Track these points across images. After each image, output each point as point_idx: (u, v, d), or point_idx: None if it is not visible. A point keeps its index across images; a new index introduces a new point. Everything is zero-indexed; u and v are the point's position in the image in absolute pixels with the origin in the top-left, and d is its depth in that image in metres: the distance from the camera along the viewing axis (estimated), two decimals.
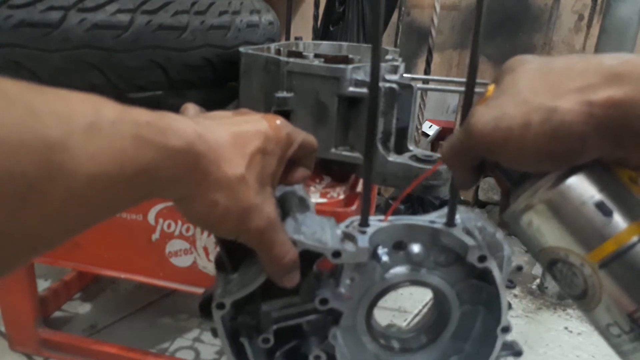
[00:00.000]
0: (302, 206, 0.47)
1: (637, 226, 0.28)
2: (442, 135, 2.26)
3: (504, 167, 0.35)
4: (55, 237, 0.27)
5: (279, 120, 0.41)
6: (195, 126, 0.34)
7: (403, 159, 0.72)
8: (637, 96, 0.28)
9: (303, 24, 1.97)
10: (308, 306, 0.46)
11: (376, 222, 0.46)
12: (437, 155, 0.77)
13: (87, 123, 0.26)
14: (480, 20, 0.42)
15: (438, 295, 0.48)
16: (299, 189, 0.48)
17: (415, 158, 0.72)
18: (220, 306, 0.42)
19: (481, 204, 2.07)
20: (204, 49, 0.82)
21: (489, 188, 2.09)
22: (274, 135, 0.40)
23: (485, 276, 0.45)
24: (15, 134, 0.23)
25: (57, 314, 1.20)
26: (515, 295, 1.43)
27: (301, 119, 0.77)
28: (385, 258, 0.46)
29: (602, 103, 0.28)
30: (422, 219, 0.46)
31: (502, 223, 0.37)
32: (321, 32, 1.73)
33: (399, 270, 0.46)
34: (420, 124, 1.87)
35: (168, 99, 0.95)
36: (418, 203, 1.65)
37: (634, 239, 0.28)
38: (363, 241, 0.43)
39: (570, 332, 1.27)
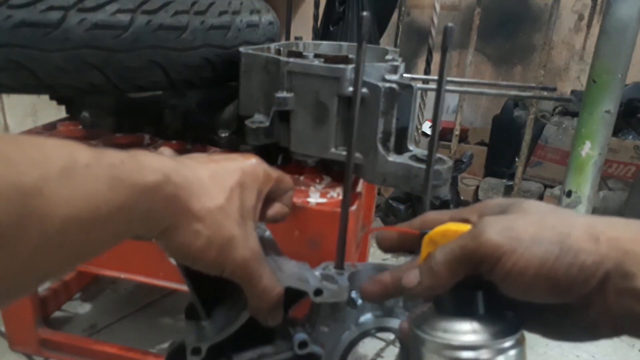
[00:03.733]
0: (277, 251, 0.47)
1: None
2: (442, 135, 2.26)
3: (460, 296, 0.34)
4: (31, 281, 0.28)
5: (255, 159, 0.42)
6: (171, 162, 0.35)
7: (403, 159, 0.72)
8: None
9: (303, 24, 1.97)
10: (282, 356, 0.45)
11: (349, 266, 0.47)
12: (437, 155, 0.77)
13: (62, 167, 0.27)
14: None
15: (405, 343, 0.48)
16: (268, 235, 0.49)
17: (415, 158, 0.72)
18: (196, 351, 0.41)
19: None
20: (204, 49, 0.82)
21: (489, 188, 2.09)
22: (251, 171, 0.40)
23: None
24: None
25: (57, 314, 1.20)
26: None
27: (301, 119, 0.77)
28: (360, 301, 0.46)
29: (607, 239, 0.29)
30: (392, 265, 0.47)
31: (403, 328, 0.37)
32: (321, 32, 1.73)
33: (372, 315, 0.47)
34: (420, 124, 1.87)
35: (168, 99, 0.95)
36: (418, 203, 1.65)
37: None
38: (343, 280, 0.44)
39: None
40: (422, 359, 0.33)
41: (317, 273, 0.45)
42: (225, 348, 0.43)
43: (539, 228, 0.30)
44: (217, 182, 0.37)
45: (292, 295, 0.42)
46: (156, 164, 0.33)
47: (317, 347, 0.45)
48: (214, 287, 0.42)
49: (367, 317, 0.46)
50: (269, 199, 0.44)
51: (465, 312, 0.33)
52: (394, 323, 0.46)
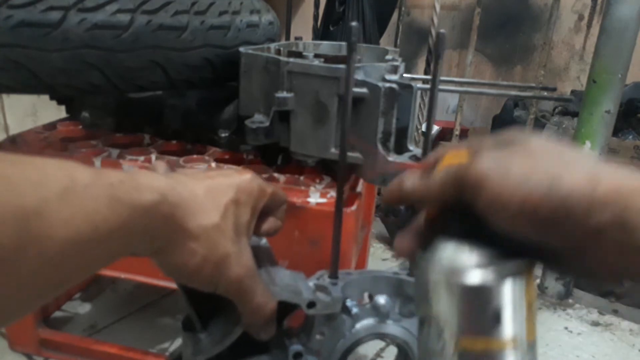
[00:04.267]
0: (272, 261, 0.47)
1: (504, 342, 0.31)
2: (442, 135, 2.26)
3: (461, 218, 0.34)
4: (30, 302, 0.28)
5: (249, 174, 0.42)
6: (168, 180, 0.35)
7: (403, 159, 0.72)
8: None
9: (303, 24, 1.97)
10: None
11: (344, 274, 0.47)
12: None
13: (62, 188, 0.27)
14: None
15: (402, 348, 0.49)
16: (264, 243, 0.49)
17: (415, 158, 0.72)
18: None
19: None
20: (204, 49, 0.82)
21: None
22: (246, 186, 0.41)
23: None
24: None
25: (57, 314, 1.20)
26: None
27: (301, 119, 0.77)
28: (355, 310, 0.46)
29: (607, 187, 0.28)
30: (386, 272, 0.48)
31: (412, 259, 0.37)
32: (321, 32, 1.73)
33: (367, 322, 0.47)
34: (420, 124, 1.87)
35: (168, 99, 0.95)
36: None
37: (496, 349, 0.31)
38: (336, 291, 0.44)
39: (570, 332, 1.27)
40: (428, 285, 0.33)
41: (311, 283, 0.46)
42: (223, 357, 0.43)
43: (533, 167, 0.29)
44: (212, 199, 0.38)
45: (287, 307, 0.43)
46: (153, 183, 0.33)
47: (312, 357, 0.45)
48: (210, 299, 0.42)
49: (362, 324, 0.46)
50: (263, 213, 0.44)
51: (472, 240, 0.33)
52: (390, 329, 0.47)
